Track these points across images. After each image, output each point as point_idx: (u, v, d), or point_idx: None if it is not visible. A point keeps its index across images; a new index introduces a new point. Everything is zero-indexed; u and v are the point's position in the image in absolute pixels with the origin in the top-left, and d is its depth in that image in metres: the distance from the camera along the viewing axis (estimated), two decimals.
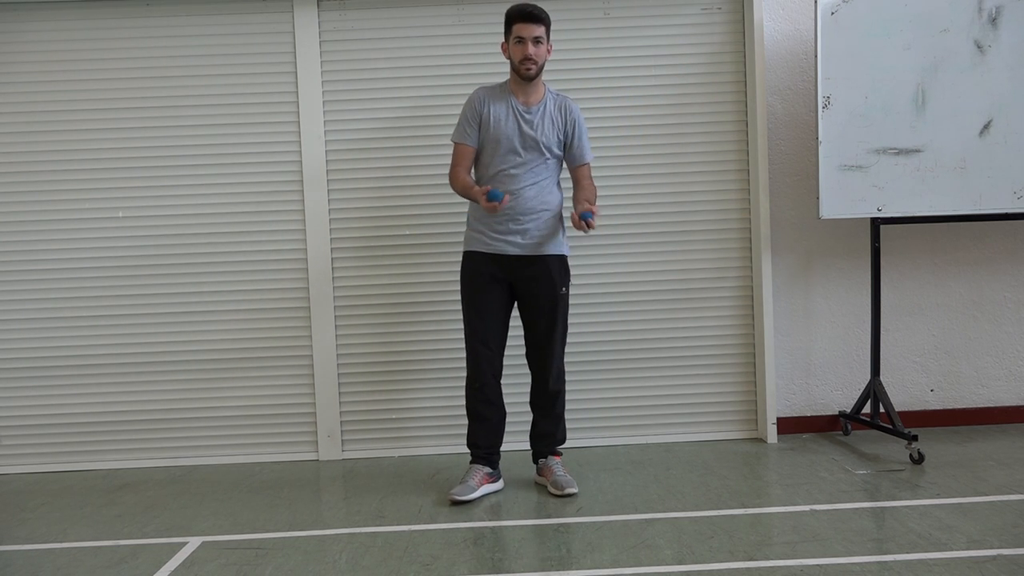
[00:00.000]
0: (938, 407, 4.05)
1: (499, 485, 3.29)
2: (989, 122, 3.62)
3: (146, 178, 3.87)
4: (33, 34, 3.84)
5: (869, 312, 3.89)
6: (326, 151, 3.84)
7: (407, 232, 3.88)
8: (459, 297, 3.32)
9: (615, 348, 3.92)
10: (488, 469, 3.25)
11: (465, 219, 3.34)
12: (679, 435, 3.95)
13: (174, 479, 3.68)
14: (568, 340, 3.94)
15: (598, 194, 3.33)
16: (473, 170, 3.28)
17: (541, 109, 3.19)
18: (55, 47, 3.85)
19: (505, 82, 3.24)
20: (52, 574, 2.62)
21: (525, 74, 3.14)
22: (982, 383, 4.04)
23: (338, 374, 3.87)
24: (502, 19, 3.22)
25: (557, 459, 3.34)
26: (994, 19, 3.60)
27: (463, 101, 3.29)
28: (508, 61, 3.19)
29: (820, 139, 3.59)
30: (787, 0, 3.91)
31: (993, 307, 4.03)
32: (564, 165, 3.32)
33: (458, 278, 3.32)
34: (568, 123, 3.22)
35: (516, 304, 3.28)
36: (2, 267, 3.87)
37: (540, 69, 3.16)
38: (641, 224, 3.91)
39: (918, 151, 3.62)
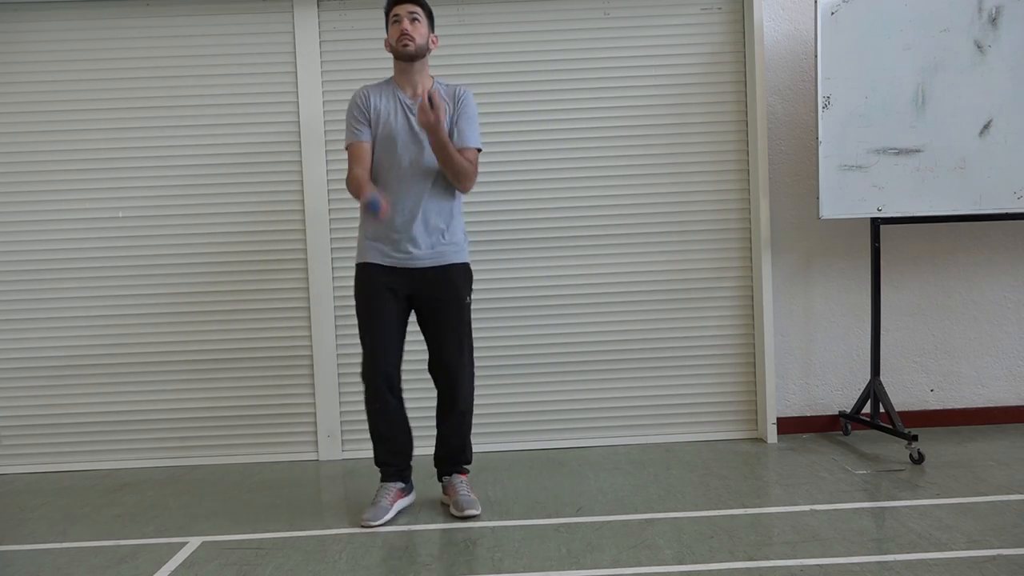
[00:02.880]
0: (938, 407, 4.05)
1: (411, 498, 3.13)
2: (989, 122, 3.62)
3: (146, 178, 3.87)
4: (33, 33, 3.84)
5: (869, 312, 3.90)
6: (326, 151, 3.84)
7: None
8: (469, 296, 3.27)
9: (615, 348, 3.92)
10: (400, 484, 3.07)
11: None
12: (679, 435, 3.95)
13: (174, 479, 3.68)
14: (569, 340, 3.94)
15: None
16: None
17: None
18: (55, 47, 3.85)
19: (389, 78, 3.03)
20: (52, 574, 2.62)
21: (403, 51, 2.90)
22: (982, 383, 4.04)
23: (338, 374, 3.87)
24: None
25: (463, 477, 3.12)
26: (994, 19, 3.60)
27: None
28: (390, 53, 3.00)
29: (820, 139, 3.59)
30: (787, 0, 3.91)
31: (993, 307, 4.03)
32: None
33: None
34: (456, 107, 2.95)
35: (417, 318, 3.04)
36: (2, 266, 3.87)
37: (420, 50, 2.93)
38: (641, 224, 3.91)
39: (918, 151, 3.62)
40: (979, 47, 3.61)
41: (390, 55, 3.13)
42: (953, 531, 2.62)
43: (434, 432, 3.14)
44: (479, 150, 2.98)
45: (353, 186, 2.88)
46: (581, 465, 3.60)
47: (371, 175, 2.95)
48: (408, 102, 2.94)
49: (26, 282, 3.87)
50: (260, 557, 2.68)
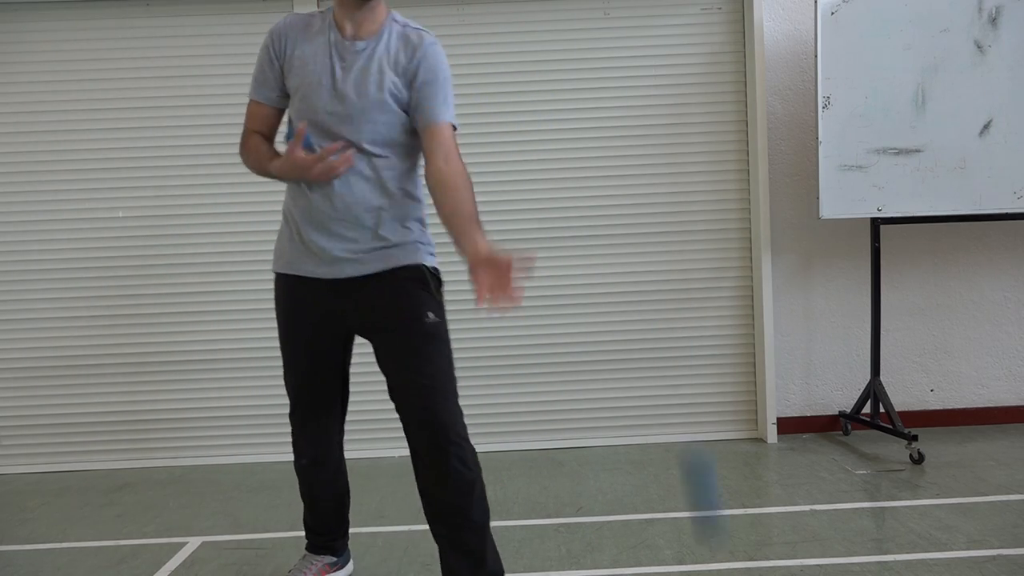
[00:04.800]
0: (938, 407, 4.04)
1: (348, 570, 2.49)
2: (989, 122, 3.62)
3: (146, 177, 3.86)
4: (34, 33, 3.84)
5: (869, 312, 3.89)
6: None
7: None
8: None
9: (615, 348, 3.92)
10: (331, 559, 2.43)
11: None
12: (679, 435, 3.95)
13: (174, 479, 3.68)
14: (569, 340, 3.93)
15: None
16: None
17: (373, 45, 2.06)
18: (55, 47, 3.85)
19: (329, 9, 2.12)
20: (52, 574, 2.62)
21: None
22: (982, 383, 4.04)
23: None
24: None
25: None
26: (994, 19, 3.60)
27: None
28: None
29: (820, 139, 3.59)
30: (787, 0, 3.91)
31: (993, 307, 4.02)
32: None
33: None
34: (415, 62, 2.05)
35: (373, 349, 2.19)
36: (2, 266, 3.87)
37: None
38: (641, 224, 3.90)
39: (918, 151, 3.61)
40: (979, 47, 3.61)
41: None
42: (953, 531, 2.62)
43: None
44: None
45: (250, 157, 2.18)
46: (581, 465, 3.60)
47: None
48: (341, 44, 2.06)
49: (27, 282, 3.87)
50: (260, 557, 2.69)
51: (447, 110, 2.06)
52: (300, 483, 2.39)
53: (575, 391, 3.91)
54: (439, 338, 2.11)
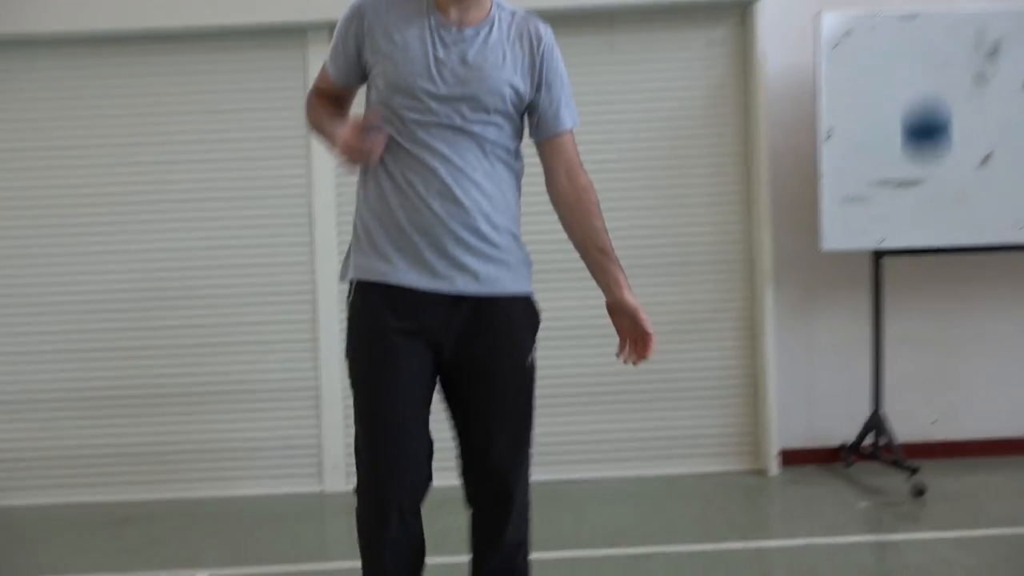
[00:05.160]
0: (941, 438, 4.03)
1: None
2: (989, 153, 3.64)
3: (157, 211, 3.92)
4: (49, 71, 3.91)
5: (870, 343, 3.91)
6: (335, 185, 3.89)
7: None
8: None
9: (617, 379, 3.93)
10: None
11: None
12: (681, 467, 3.95)
13: (179, 512, 3.70)
14: (570, 372, 3.95)
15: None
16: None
17: (484, 32, 1.81)
18: (70, 83, 3.92)
19: None
20: None
21: None
22: (984, 415, 4.03)
23: (343, 406, 3.90)
24: None
25: None
26: (993, 52, 3.63)
27: None
28: None
29: (822, 171, 3.62)
30: (789, 33, 3.93)
31: (996, 338, 4.02)
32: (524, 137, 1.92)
33: None
34: (536, 58, 1.83)
35: (442, 384, 1.91)
36: (14, 299, 3.93)
37: None
38: (644, 255, 3.93)
39: (918, 182, 3.63)
40: (979, 80, 3.63)
41: None
42: (953, 565, 2.63)
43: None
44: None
45: (312, 114, 1.93)
46: (582, 498, 3.62)
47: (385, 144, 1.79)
48: (445, 31, 1.79)
49: (36, 315, 3.93)
50: None
51: (570, 115, 1.88)
52: (374, 561, 1.88)
53: (576, 423, 3.93)
54: (533, 384, 1.97)
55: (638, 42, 3.93)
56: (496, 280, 1.83)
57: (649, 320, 1.88)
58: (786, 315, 3.99)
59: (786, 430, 4.00)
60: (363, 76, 1.86)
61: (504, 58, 1.79)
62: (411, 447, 1.83)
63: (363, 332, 1.82)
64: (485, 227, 1.79)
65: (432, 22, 1.78)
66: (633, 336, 1.88)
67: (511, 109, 1.81)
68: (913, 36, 3.59)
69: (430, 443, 1.88)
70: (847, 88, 3.60)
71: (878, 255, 3.73)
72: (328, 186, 3.89)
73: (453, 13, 1.78)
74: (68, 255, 3.93)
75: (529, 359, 1.92)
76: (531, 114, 1.86)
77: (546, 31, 1.85)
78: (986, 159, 3.64)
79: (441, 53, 1.76)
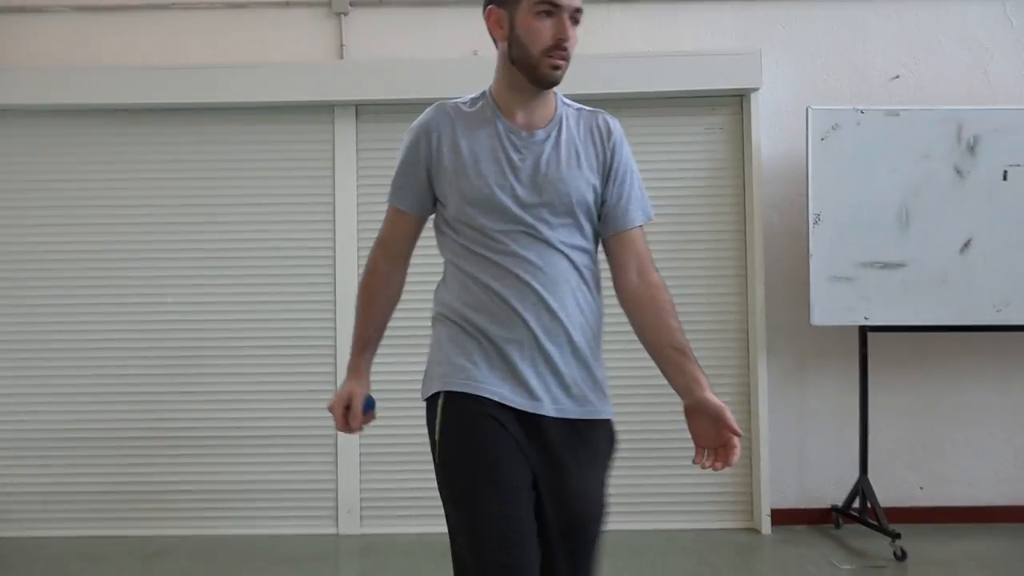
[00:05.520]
0: (927, 504, 4.23)
1: None
2: (969, 240, 3.91)
3: (189, 268, 4.23)
4: (97, 136, 4.27)
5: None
6: (357, 247, 4.20)
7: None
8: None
9: (620, 439, 4.16)
10: None
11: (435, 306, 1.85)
12: (678, 523, 4.16)
13: (203, 549, 3.93)
14: None
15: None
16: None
17: (554, 134, 1.77)
18: (118, 150, 4.27)
19: (483, 93, 1.82)
20: None
21: (548, 76, 1.71)
22: (969, 483, 4.24)
23: (360, 453, 4.15)
24: None
25: None
26: (972, 147, 3.92)
27: None
28: (503, 50, 1.76)
29: (811, 252, 3.89)
30: (783, 123, 4.25)
31: (979, 409, 4.24)
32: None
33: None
34: (608, 152, 1.79)
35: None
36: (51, 344, 4.23)
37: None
38: None
39: (902, 265, 3.90)
40: (958, 172, 3.92)
41: (490, 58, 1.84)
42: None
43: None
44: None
45: (367, 294, 1.92)
46: None
47: (449, 262, 1.80)
48: (516, 137, 1.74)
49: (76, 359, 4.22)
50: None
51: (642, 209, 1.84)
52: None
53: None
54: (602, 529, 1.77)
55: (644, 127, 4.23)
56: (589, 401, 1.75)
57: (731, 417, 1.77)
58: (780, 382, 4.23)
59: (778, 491, 4.21)
60: (435, 200, 1.79)
61: (579, 157, 1.75)
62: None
63: (468, 444, 1.68)
64: (580, 341, 1.73)
65: (500, 128, 1.74)
66: (714, 442, 1.74)
67: (591, 209, 1.76)
68: (896, 132, 3.90)
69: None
70: (835, 177, 3.90)
71: (864, 330, 3.98)
72: (351, 248, 4.20)
73: (520, 116, 1.75)
74: (110, 306, 4.23)
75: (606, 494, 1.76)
76: (602, 208, 1.79)
77: (614, 123, 1.81)
78: (965, 246, 3.91)
79: (516, 158, 1.72)
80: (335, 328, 4.20)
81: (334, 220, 4.22)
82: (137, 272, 4.24)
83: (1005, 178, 3.92)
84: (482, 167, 1.72)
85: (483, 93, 1.80)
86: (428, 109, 1.80)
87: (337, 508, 4.16)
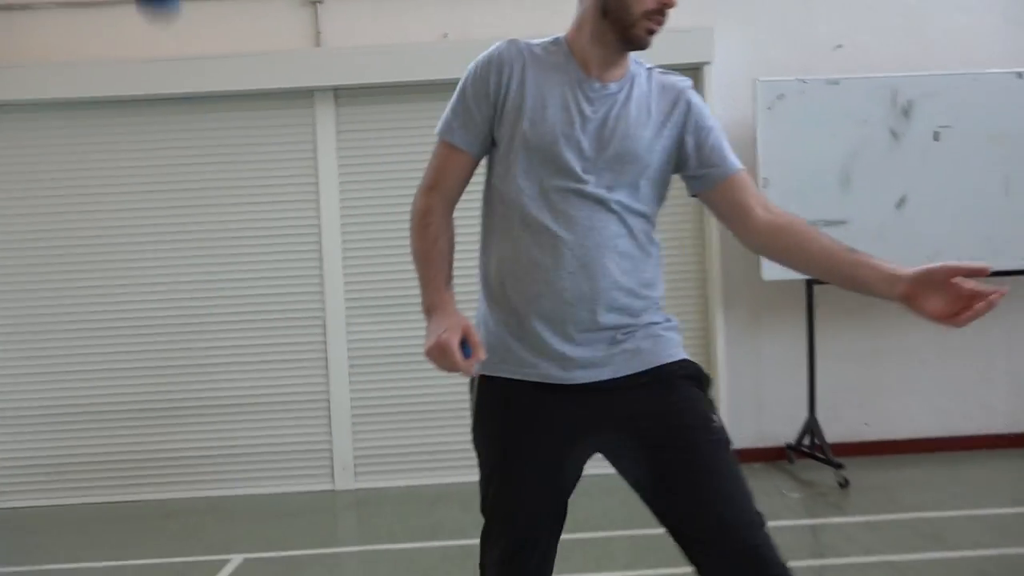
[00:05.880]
0: (872, 439, 4.64)
1: None
2: (903, 197, 4.27)
3: (188, 247, 4.51)
4: (86, 127, 4.52)
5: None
6: (341, 226, 4.48)
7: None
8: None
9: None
10: None
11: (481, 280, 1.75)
12: None
13: (212, 507, 4.28)
14: None
15: None
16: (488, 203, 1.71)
17: (627, 88, 1.68)
18: (106, 141, 4.52)
19: (556, 40, 1.71)
20: None
21: (642, 39, 1.65)
22: (910, 417, 4.65)
23: (351, 415, 4.49)
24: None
25: None
26: (907, 111, 4.26)
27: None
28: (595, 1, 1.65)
29: None
30: (735, 94, 4.51)
31: (917, 351, 4.63)
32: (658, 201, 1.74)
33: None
34: (682, 107, 1.70)
35: (633, 477, 1.73)
36: (73, 324, 4.50)
37: None
38: None
39: (844, 222, 4.24)
40: (894, 135, 4.26)
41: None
42: (853, 542, 3.24)
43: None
44: None
45: (423, 244, 1.67)
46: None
47: (489, 214, 1.71)
48: (589, 87, 1.66)
49: (100, 338, 4.51)
50: (291, 571, 3.29)
51: (735, 158, 1.75)
52: None
53: None
54: (730, 445, 1.66)
55: None
56: (640, 352, 1.67)
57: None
58: (737, 334, 4.60)
59: (737, 432, 4.52)
60: (492, 142, 1.68)
61: (649, 114, 1.66)
62: None
63: (488, 433, 1.71)
64: (623, 301, 1.64)
65: (575, 76, 1.65)
66: (954, 305, 1.47)
67: (656, 171, 1.67)
68: (836, 99, 4.22)
69: None
70: (781, 143, 4.22)
71: (811, 283, 4.34)
72: (335, 227, 4.50)
73: (595, 70, 1.66)
74: (112, 286, 4.52)
75: (715, 418, 1.67)
76: (690, 166, 1.71)
77: (684, 80, 1.74)
78: (901, 202, 4.27)
79: (588, 110, 1.63)
80: (323, 301, 4.51)
81: (318, 199, 4.50)
82: (136, 254, 4.52)
83: (936, 139, 4.26)
84: (548, 113, 1.62)
85: (555, 40, 1.70)
86: (499, 43, 1.68)
87: (332, 465, 4.50)
